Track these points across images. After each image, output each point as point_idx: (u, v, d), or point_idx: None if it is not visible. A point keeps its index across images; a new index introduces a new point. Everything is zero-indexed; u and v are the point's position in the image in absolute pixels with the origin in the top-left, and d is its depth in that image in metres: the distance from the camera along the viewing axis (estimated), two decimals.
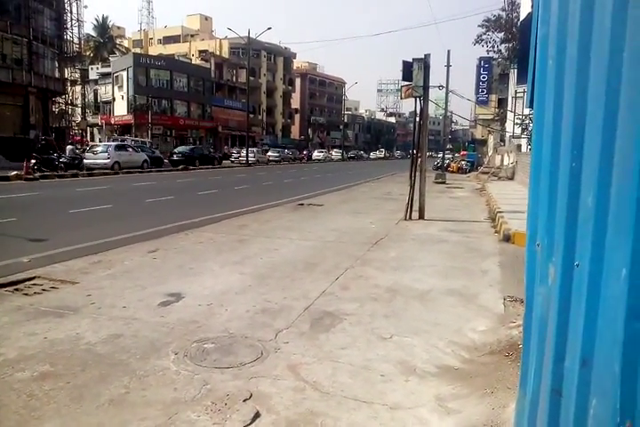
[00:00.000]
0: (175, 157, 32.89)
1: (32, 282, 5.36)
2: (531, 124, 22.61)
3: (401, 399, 2.99)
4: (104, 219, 10.41)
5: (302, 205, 13.21)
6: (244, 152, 40.92)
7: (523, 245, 7.41)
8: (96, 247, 7.23)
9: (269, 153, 49.23)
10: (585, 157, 1.61)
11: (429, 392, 3.08)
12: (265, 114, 68.91)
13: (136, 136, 48.08)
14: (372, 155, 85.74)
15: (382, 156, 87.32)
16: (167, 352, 3.61)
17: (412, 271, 6.13)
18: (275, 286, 5.36)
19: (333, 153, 67.66)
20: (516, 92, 27.73)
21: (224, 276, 5.78)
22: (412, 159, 10.96)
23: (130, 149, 28.32)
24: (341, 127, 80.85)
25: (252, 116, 52.63)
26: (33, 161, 20.72)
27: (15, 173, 19.81)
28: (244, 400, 2.94)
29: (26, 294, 4.95)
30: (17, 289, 5.10)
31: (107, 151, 25.74)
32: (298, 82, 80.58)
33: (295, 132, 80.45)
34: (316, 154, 63.32)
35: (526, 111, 23.84)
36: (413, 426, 2.69)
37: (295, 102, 79.49)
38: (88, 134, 57.47)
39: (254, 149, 45.66)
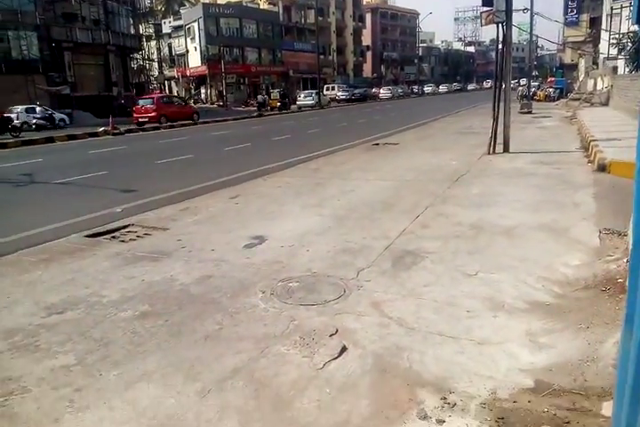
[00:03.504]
0: (353, 97, 48.74)
1: (127, 230, 5.72)
2: (629, 44, 20.39)
3: (489, 335, 2.93)
4: (187, 168, 10.80)
5: (377, 144, 12.95)
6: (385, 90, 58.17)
7: (620, 175, 6.94)
8: (182, 195, 7.55)
9: (382, 90, 58.59)
10: None
11: (519, 328, 3.00)
12: (335, 54, 66.87)
13: (211, 86, 48.79)
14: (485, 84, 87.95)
15: (489, 87, 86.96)
16: (255, 291, 3.75)
17: (496, 207, 5.89)
18: (354, 227, 5.36)
19: (440, 88, 75.70)
20: (611, 8, 24.84)
21: (303, 218, 5.85)
22: (494, 89, 10.28)
23: (321, 94, 42.22)
24: (416, 61, 77.15)
25: (322, 57, 51.46)
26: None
27: (103, 128, 20.96)
28: (331, 335, 3.01)
29: (122, 241, 5.29)
30: (114, 237, 5.46)
31: (311, 96, 41.24)
32: (368, 17, 76.90)
33: (367, 70, 77.79)
34: (426, 88, 71.71)
35: (624, 29, 21.46)
36: (502, 361, 2.64)
37: (366, 39, 76.27)
38: (166, 87, 58.92)
39: (391, 88, 59.68)
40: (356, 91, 51.41)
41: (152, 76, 51.38)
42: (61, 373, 2.74)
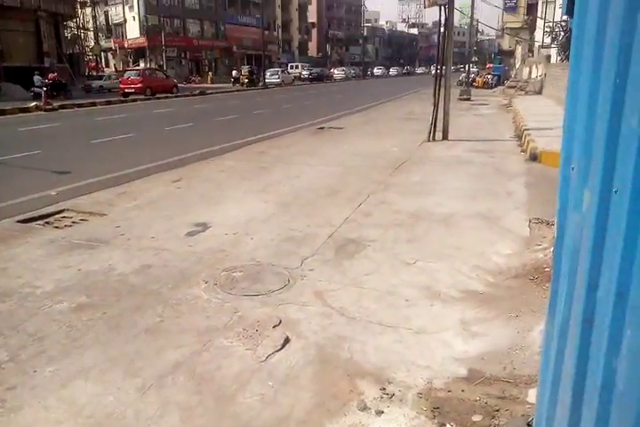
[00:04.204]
0: (310, 76, 53.09)
1: (61, 215, 5.48)
2: (561, 33, 21.22)
3: (425, 324, 3.06)
4: (126, 149, 10.42)
5: (322, 128, 12.95)
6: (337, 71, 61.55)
7: (550, 165, 7.30)
8: (120, 178, 7.30)
9: (336, 71, 62.37)
10: (631, 74, 1.45)
11: (454, 316, 3.14)
12: (280, 30, 65.63)
13: (150, 60, 46.90)
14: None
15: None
16: (197, 281, 3.72)
17: (434, 195, 6.07)
18: (298, 214, 5.38)
19: (390, 71, 79.89)
20: None
21: (247, 204, 5.81)
22: (435, 75, 10.47)
23: (285, 73, 47.02)
24: (361, 42, 77.10)
25: (266, 33, 50.44)
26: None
27: (34, 103, 19.76)
28: (274, 326, 3.04)
29: (57, 227, 5.08)
30: (47, 222, 5.23)
31: (278, 74, 43.48)
32: None
33: (312, 48, 77.00)
34: (377, 71, 76.28)
35: (557, 18, 22.28)
36: (438, 350, 2.77)
37: (312, 16, 75.24)
38: (102, 60, 56.04)
39: (344, 69, 63.47)
40: (314, 70, 55.74)
41: (87, 46, 48.67)
42: None
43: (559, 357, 2.01)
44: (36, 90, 23.07)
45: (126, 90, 26.99)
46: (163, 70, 34.11)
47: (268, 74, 44.21)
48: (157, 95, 27.25)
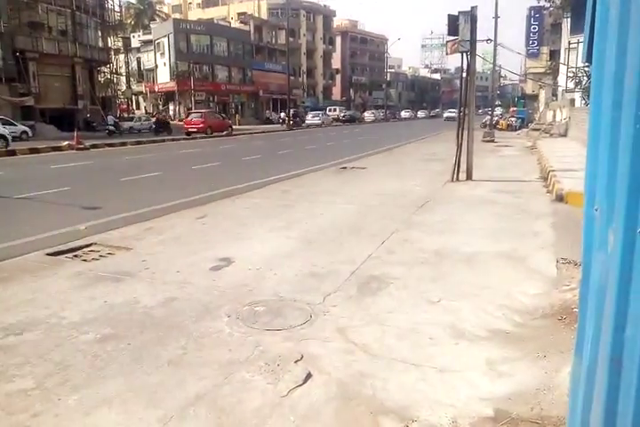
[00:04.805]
0: (344, 118, 57.96)
1: (89, 249, 5.60)
2: (585, 78, 21.42)
3: (450, 362, 3.00)
4: (153, 186, 10.69)
5: (345, 168, 13.13)
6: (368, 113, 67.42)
7: (577, 206, 7.20)
8: (147, 214, 7.46)
9: (366, 113, 67.46)
10: None
11: (480, 356, 3.07)
12: (305, 76, 67.72)
13: (179, 103, 48.62)
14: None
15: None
16: (220, 315, 3.73)
17: (459, 234, 6.04)
18: (321, 251, 5.40)
19: (418, 114, 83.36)
20: (569, 43, 26.14)
21: (271, 240, 5.86)
22: (458, 117, 10.62)
23: (325, 115, 53.23)
24: (384, 86, 78.81)
25: (292, 78, 52.14)
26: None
27: (67, 143, 20.51)
28: (296, 362, 3.02)
29: (84, 260, 5.19)
30: (76, 255, 5.35)
31: (319, 116, 50.13)
32: (338, 41, 78.40)
33: (336, 93, 78.98)
34: (404, 114, 79.14)
35: (580, 64, 22.55)
36: (463, 389, 2.70)
37: (336, 62, 77.62)
38: (133, 102, 58.23)
39: (374, 112, 68.31)
40: (347, 113, 61.67)
41: (119, 90, 50.84)
42: (18, 397, 2.66)
43: (587, 398, 1.95)
44: (110, 128, 27.16)
45: (190, 129, 30.46)
46: (220, 113, 37.96)
47: (310, 115, 50.71)
48: (214, 134, 30.68)
